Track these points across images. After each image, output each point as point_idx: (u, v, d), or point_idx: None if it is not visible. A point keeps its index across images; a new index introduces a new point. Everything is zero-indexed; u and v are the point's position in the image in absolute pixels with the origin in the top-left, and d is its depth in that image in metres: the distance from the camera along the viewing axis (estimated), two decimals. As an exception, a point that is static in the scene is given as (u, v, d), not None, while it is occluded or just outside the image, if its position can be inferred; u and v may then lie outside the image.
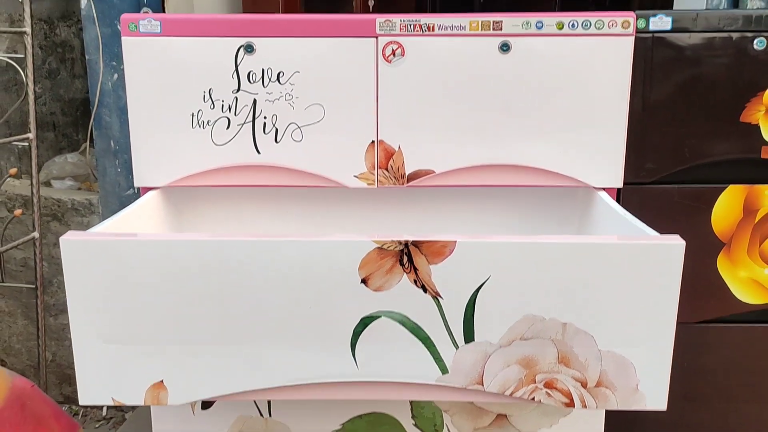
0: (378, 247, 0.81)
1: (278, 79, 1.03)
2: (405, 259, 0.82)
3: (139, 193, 1.07)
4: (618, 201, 1.07)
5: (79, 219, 1.94)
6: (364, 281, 0.82)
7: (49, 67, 2.17)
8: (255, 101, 1.04)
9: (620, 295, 0.82)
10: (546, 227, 1.17)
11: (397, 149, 1.05)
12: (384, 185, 1.06)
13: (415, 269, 0.82)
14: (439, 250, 0.81)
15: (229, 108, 1.04)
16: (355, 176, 1.05)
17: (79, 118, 2.18)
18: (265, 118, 1.04)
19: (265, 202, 1.16)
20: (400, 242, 0.81)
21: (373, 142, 1.04)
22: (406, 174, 1.06)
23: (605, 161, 1.05)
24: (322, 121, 1.04)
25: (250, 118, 1.04)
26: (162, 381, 0.85)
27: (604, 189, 1.06)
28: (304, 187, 1.07)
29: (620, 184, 1.05)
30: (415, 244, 0.81)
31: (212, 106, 1.04)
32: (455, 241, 0.81)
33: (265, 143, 1.05)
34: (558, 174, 1.05)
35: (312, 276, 0.82)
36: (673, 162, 1.06)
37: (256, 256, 0.81)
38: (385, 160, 1.05)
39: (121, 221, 0.97)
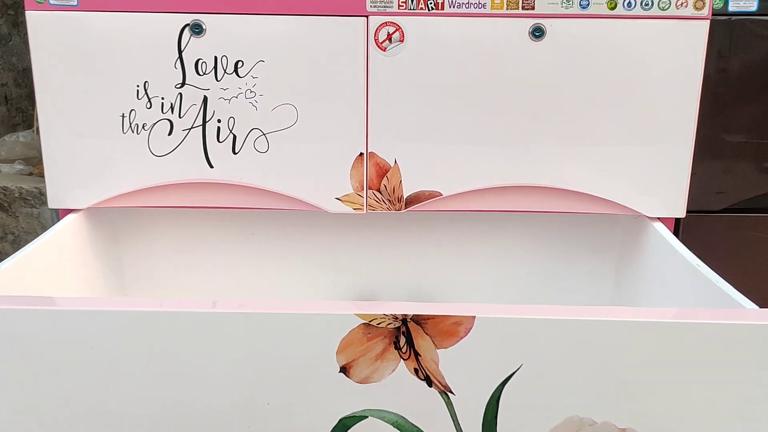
0: (364, 324, 0.57)
1: (236, 70, 0.78)
2: (402, 340, 0.58)
3: (57, 216, 0.83)
4: (676, 234, 0.83)
5: (28, 210, 1.70)
6: (344, 369, 0.58)
7: (0, 31, 1.93)
8: (206, 99, 0.79)
9: (704, 390, 0.59)
10: (583, 269, 0.94)
11: (392, 164, 0.80)
12: (375, 210, 0.82)
13: (417, 354, 0.58)
14: (450, 329, 0.58)
15: (172, 107, 0.79)
16: (337, 198, 0.81)
17: (36, 91, 1.93)
18: (219, 121, 0.79)
19: (219, 228, 0.92)
20: (395, 317, 0.57)
21: (361, 154, 0.80)
22: (405, 197, 0.81)
23: (664, 184, 0.81)
24: (295, 127, 0.79)
25: (200, 121, 0.79)
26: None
27: (659, 219, 0.83)
28: (271, 209, 0.83)
29: (682, 213, 0.81)
30: (417, 320, 0.57)
31: (149, 105, 0.78)
32: (473, 317, 0.57)
33: (220, 154, 0.80)
34: (602, 199, 0.81)
35: (271, 360, 0.58)
36: (751, 185, 0.82)
37: (191, 334, 0.57)
38: (377, 178, 0.81)
39: (33, 256, 0.73)
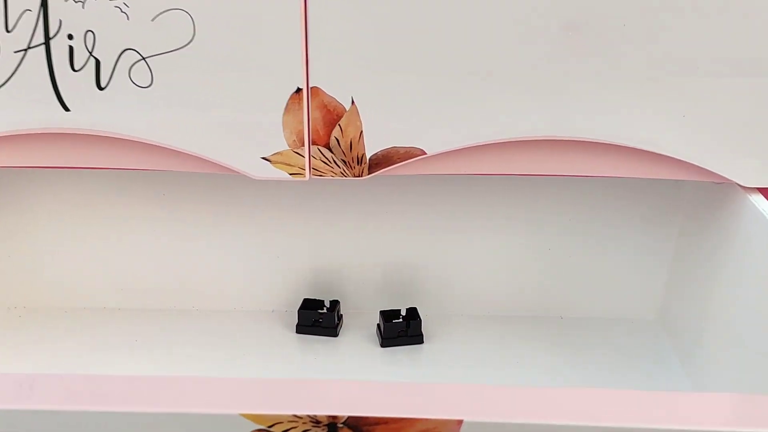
0: (260, 430, 0.31)
1: (89, -49, 0.48)
2: (334, 458, 0.32)
3: None
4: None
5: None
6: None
7: None
8: (44, 1, 0.49)
9: None
10: (628, 253, 0.66)
11: (348, 107, 0.52)
12: (324, 176, 0.54)
13: (362, 482, 0.33)
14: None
15: (-8, 15, 0.49)
16: (265, 159, 0.53)
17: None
18: (70, 38, 0.50)
19: (96, 190, 0.65)
20: (315, 421, 0.31)
21: (299, 90, 0.51)
22: (368, 156, 0.53)
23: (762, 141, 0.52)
24: (192, 46, 0.50)
25: (40, 36, 0.50)
26: None
27: (757, 189, 0.55)
28: (159, 171, 0.55)
29: (791, 182, 0.54)
30: (357, 425, 0.31)
31: (-46, 11, 0.49)
32: (459, 422, 0.31)
33: (78, 90, 0.51)
34: (666, 158, 0.53)
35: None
36: None
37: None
38: (326, 128, 0.53)
39: None
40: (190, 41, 0.50)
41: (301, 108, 0.51)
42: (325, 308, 0.70)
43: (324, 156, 0.53)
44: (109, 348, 0.67)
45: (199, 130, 0.52)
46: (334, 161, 0.53)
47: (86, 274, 0.71)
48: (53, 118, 0.52)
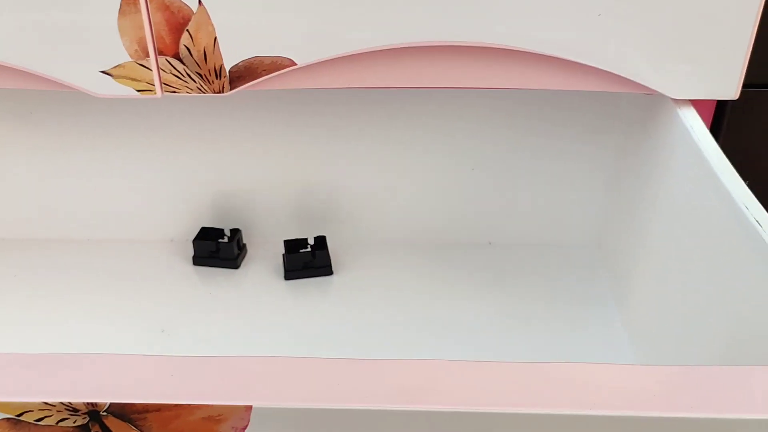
0: (10, 419, 0.25)
1: None
2: (86, 456, 0.26)
3: None
4: (717, 127, 0.47)
5: None
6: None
7: None
8: None
9: None
10: (553, 170, 0.59)
11: (195, 8, 0.43)
12: (178, 92, 0.46)
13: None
14: (197, 428, 0.25)
15: None
16: (104, 72, 0.45)
17: None
18: None
19: None
20: (72, 409, 0.25)
21: (133, -12, 0.42)
22: (227, 69, 0.45)
23: (705, 45, 0.43)
24: (-5, -66, 0.41)
25: None
26: None
27: (689, 102, 0.46)
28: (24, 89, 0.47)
29: (733, 93, 0.45)
30: (123, 413, 0.25)
31: None
32: (248, 408, 0.25)
33: None
34: (591, 69, 0.45)
35: None
36: None
37: None
38: (172, 34, 0.44)
39: None
40: (-9, -73, 0.40)
41: (139, 10, 0.43)
42: (226, 237, 0.63)
43: (175, 68, 0.45)
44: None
45: (28, 41, 0.44)
46: (188, 74, 0.45)
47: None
48: None
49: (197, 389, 0.26)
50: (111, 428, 0.25)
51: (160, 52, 0.44)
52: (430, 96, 0.58)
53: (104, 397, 0.26)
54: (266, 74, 0.45)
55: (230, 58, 0.44)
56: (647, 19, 0.41)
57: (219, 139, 0.61)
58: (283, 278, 0.62)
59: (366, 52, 0.44)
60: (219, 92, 0.45)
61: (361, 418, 0.26)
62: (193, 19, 0.43)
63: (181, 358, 0.25)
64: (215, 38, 0.44)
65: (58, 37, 0.44)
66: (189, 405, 0.26)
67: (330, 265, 0.62)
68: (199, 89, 0.45)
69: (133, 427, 0.25)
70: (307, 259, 0.61)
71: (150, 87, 0.45)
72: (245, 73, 0.45)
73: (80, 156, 0.62)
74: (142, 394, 0.26)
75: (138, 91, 0.45)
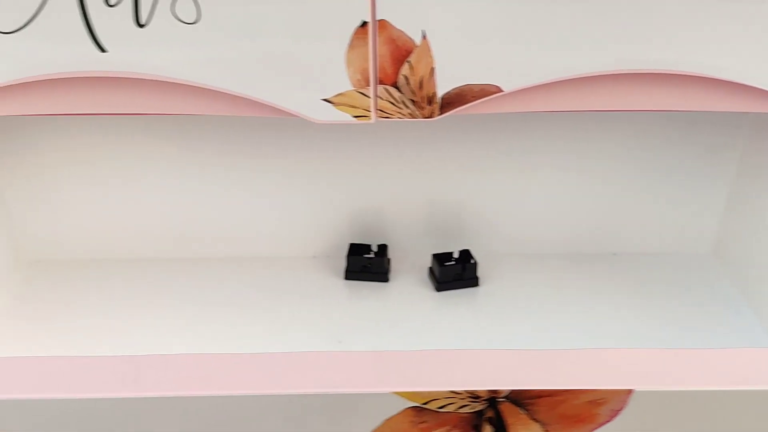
0: (415, 407, 0.28)
1: None
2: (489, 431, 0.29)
3: None
4: None
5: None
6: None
7: None
8: (72, -77, 0.42)
9: None
10: (690, 188, 0.63)
11: (419, 42, 0.47)
12: (390, 118, 0.49)
13: (506, 467, 0.30)
14: (581, 413, 0.29)
15: (11, -59, 0.43)
16: (326, 100, 0.48)
17: None
18: (103, -34, 0.44)
19: (160, 137, 0.59)
20: (474, 396, 0.28)
21: (365, 24, 0.46)
22: (439, 95, 0.48)
23: None
24: (244, -25, 0.44)
25: (68, -34, 0.44)
26: None
27: None
28: (210, 116, 0.50)
29: None
30: (519, 399, 0.28)
31: (-33, -62, 0.42)
32: (629, 392, 0.28)
33: (115, 28, 0.45)
34: (738, 85, 0.49)
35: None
36: None
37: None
38: (394, 65, 0.47)
39: None
40: (243, -31, 0.44)
41: (367, 44, 0.46)
42: (372, 253, 0.66)
43: (392, 96, 0.48)
44: (144, 301, 0.63)
45: (252, 70, 0.47)
46: (403, 102, 0.48)
47: (116, 224, 0.66)
48: (86, 60, 0.46)
49: (583, 377, 0.30)
50: (504, 412, 0.29)
51: (380, 81, 0.48)
52: (561, 119, 0.63)
53: (506, 385, 0.29)
54: (474, 100, 0.48)
55: (443, 86, 0.48)
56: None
57: (360, 160, 0.64)
58: (433, 290, 0.65)
59: (558, 81, 0.48)
60: (429, 117, 0.49)
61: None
62: (415, 51, 0.47)
63: (563, 351, 0.29)
64: (432, 68, 0.47)
65: (283, 66, 0.47)
66: (575, 390, 0.29)
67: (477, 277, 0.65)
68: (411, 115, 0.49)
69: (524, 411, 0.29)
70: (457, 271, 0.65)
71: (366, 113, 0.49)
72: (455, 99, 0.48)
73: (224, 176, 0.65)
74: (539, 382, 0.29)
75: (354, 116, 0.49)
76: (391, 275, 0.67)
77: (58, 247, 0.68)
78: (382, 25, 0.46)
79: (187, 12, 0.45)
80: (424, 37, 0.46)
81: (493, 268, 0.68)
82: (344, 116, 0.49)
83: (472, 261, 0.65)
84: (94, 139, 0.63)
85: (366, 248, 0.66)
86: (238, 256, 0.69)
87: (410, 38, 0.46)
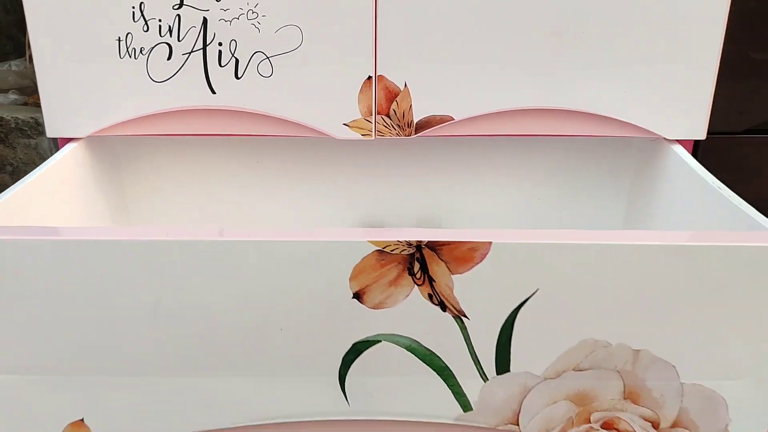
0: (378, 250, 0.56)
1: (236, -12, 0.74)
2: (417, 266, 0.57)
3: (57, 145, 0.80)
4: (695, 157, 0.80)
5: (26, 141, 1.67)
6: (357, 296, 0.57)
7: (-13, -48, 1.85)
8: (205, 20, 0.75)
9: (717, 314, 0.58)
10: (596, 194, 0.91)
11: (402, 88, 0.77)
12: (384, 136, 0.79)
13: (431, 280, 0.57)
14: (465, 255, 0.56)
15: (170, 30, 0.75)
16: (345, 125, 0.78)
17: (29, 17, 1.86)
18: (220, 44, 0.76)
19: (225, 155, 0.90)
20: (409, 243, 0.56)
21: (370, 78, 0.77)
22: (415, 122, 0.78)
23: (685, 104, 0.77)
24: (300, 49, 0.76)
25: (200, 44, 0.76)
26: (83, 419, 0.62)
27: (677, 141, 0.80)
28: (275, 136, 0.80)
29: (702, 135, 0.79)
30: (432, 246, 0.56)
31: (146, 28, 0.75)
32: (490, 243, 0.56)
33: (222, 79, 0.77)
34: (618, 122, 0.78)
35: (283, 288, 0.57)
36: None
37: (199, 263, 0.56)
38: (387, 102, 0.78)
39: (33, 187, 0.71)
40: (299, 46, 0.75)
41: (371, 89, 0.77)
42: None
43: (385, 122, 0.78)
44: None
45: (301, 105, 0.78)
46: (392, 125, 0.79)
47: (199, 217, 0.96)
48: (204, 99, 0.77)
49: (474, 236, 0.57)
50: (425, 254, 0.56)
51: (378, 113, 0.78)
52: (509, 143, 0.92)
53: (425, 237, 0.56)
54: (437, 125, 0.78)
55: (417, 115, 0.78)
56: (652, 91, 0.76)
57: (363, 172, 0.94)
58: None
59: (497, 112, 0.78)
60: (408, 136, 0.79)
61: None
62: (400, 94, 0.77)
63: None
64: (410, 104, 0.78)
65: (320, 102, 0.77)
66: (463, 241, 0.56)
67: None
68: (397, 134, 0.79)
69: (434, 253, 0.56)
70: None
71: (369, 133, 0.79)
72: (425, 124, 0.78)
73: (276, 181, 0.94)
74: (441, 236, 0.57)
75: (362, 135, 0.79)
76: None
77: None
78: (380, 78, 0.77)
79: (265, 70, 0.76)
80: (405, 85, 0.77)
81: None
82: (355, 135, 0.79)
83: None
84: (185, 161, 0.93)
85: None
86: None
87: (397, 86, 0.77)
